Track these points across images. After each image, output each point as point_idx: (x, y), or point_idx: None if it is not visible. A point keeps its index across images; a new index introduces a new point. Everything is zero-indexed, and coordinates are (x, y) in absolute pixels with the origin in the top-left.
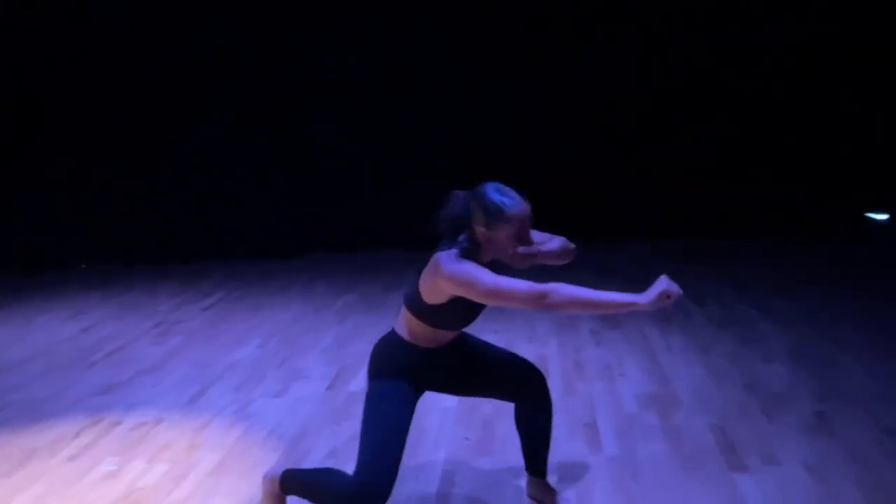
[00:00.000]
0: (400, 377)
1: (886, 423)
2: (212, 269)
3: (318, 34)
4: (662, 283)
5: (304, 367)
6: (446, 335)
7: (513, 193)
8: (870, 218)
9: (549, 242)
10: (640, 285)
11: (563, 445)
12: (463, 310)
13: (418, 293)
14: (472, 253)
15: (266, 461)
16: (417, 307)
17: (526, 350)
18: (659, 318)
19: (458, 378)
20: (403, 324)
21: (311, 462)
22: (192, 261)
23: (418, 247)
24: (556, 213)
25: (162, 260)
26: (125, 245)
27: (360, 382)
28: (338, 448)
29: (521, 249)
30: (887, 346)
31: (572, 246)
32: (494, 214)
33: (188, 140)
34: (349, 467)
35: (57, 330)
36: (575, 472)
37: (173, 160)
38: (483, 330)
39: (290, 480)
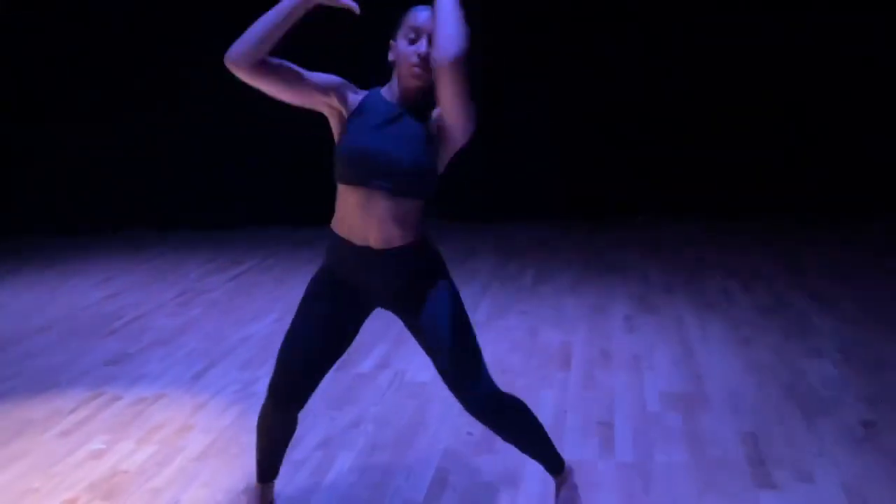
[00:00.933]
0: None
1: None
2: (247, 236)
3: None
4: None
5: None
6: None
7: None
8: None
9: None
10: (690, 266)
11: (572, 445)
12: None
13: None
14: (389, 78)
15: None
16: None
17: (551, 336)
18: (700, 303)
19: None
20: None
21: (300, 451)
22: (228, 226)
23: (456, 217)
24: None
25: (199, 225)
26: (164, 210)
27: (369, 364)
28: (332, 437)
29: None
30: None
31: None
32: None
33: (222, 101)
34: (340, 457)
35: (83, 295)
36: (580, 478)
37: (209, 123)
38: (509, 311)
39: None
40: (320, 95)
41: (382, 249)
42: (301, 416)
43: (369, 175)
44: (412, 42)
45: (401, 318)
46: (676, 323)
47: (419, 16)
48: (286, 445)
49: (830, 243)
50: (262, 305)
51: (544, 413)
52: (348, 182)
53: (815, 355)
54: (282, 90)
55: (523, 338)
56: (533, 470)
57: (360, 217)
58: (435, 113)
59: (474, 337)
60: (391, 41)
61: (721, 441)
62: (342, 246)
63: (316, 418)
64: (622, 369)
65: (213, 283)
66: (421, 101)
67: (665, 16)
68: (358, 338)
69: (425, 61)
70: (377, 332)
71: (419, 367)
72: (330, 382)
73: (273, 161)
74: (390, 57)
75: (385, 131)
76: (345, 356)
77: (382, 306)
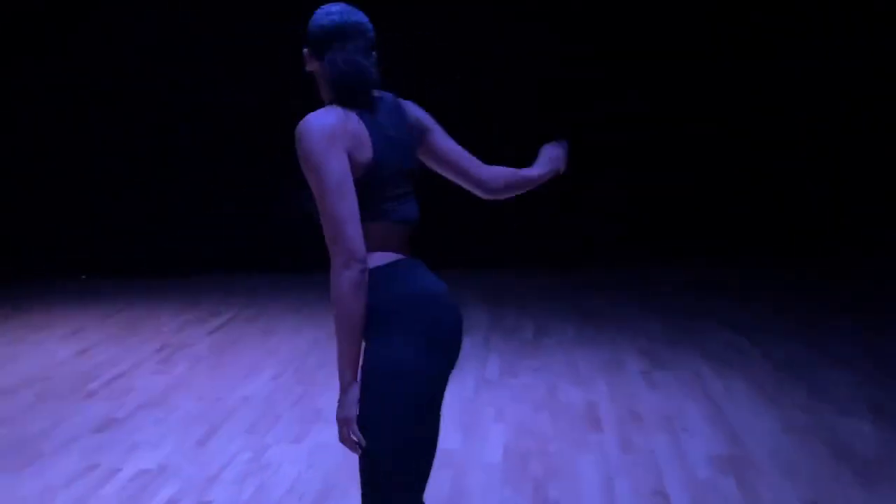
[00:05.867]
0: None
1: None
2: (219, 283)
3: None
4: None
5: (324, 407)
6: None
7: None
8: None
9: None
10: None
11: None
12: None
13: None
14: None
15: None
16: None
17: (573, 394)
18: (714, 358)
19: None
20: None
21: None
22: (197, 273)
23: (446, 263)
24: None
25: (165, 272)
26: (127, 254)
27: None
28: None
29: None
30: None
31: None
32: None
33: (190, 139)
34: None
35: (52, 351)
36: None
37: (175, 160)
38: (519, 367)
39: None
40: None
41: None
42: (327, 486)
43: None
44: None
45: None
46: (696, 378)
47: None
48: None
49: (820, 289)
50: (253, 361)
51: (589, 480)
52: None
53: (846, 413)
54: None
55: (544, 397)
56: None
57: (403, 243)
58: None
59: (380, 450)
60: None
61: None
62: (425, 294)
63: (346, 490)
64: (658, 431)
65: (192, 336)
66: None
67: (665, 59)
68: None
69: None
70: None
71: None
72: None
73: (242, 202)
74: None
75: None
76: None
77: None
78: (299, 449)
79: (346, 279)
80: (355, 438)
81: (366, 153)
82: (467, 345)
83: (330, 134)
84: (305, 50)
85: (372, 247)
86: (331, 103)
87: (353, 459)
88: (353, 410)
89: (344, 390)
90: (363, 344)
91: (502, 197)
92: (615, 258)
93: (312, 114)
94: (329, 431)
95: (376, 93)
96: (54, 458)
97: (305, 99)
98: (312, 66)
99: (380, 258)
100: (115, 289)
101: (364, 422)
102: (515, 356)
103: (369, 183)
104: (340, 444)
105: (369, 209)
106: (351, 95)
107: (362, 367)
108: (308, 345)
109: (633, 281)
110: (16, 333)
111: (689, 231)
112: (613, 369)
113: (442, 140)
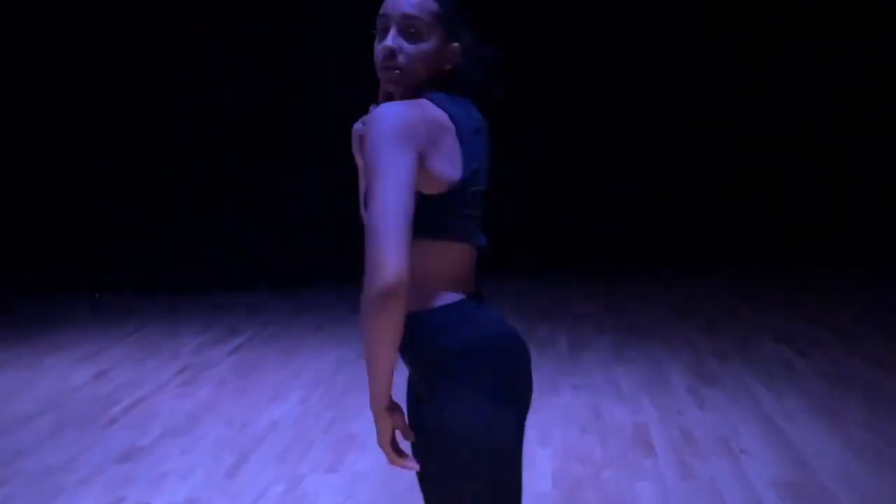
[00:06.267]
0: None
1: None
2: (234, 299)
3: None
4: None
5: (358, 433)
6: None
7: None
8: None
9: None
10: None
11: None
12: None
13: None
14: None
15: None
16: None
17: (619, 413)
18: (762, 372)
19: None
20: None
21: None
22: (216, 290)
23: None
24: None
25: (183, 289)
26: (135, 268)
27: None
28: None
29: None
30: None
31: None
32: None
33: (191, 139)
34: None
35: (69, 375)
36: None
37: (187, 169)
38: (559, 384)
39: None
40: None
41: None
42: None
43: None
44: (380, 36)
45: None
46: (746, 394)
47: None
48: None
49: (865, 300)
50: (277, 383)
51: None
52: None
53: None
54: None
55: (589, 418)
56: None
57: (471, 274)
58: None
59: None
60: None
61: None
62: (501, 337)
63: None
64: (715, 454)
65: (213, 356)
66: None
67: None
68: None
69: (394, 57)
70: None
71: None
72: (390, 478)
73: (261, 217)
74: None
75: None
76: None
77: None
78: (336, 479)
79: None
80: (406, 462)
81: (456, 162)
82: None
83: (411, 128)
84: (429, 19)
85: (440, 276)
86: (416, 96)
87: (395, 487)
88: (388, 435)
89: (375, 418)
90: (433, 396)
91: None
92: (646, 264)
93: (391, 104)
94: (366, 459)
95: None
96: (77, 493)
97: (305, 98)
98: (438, 43)
99: (449, 296)
100: (128, 307)
101: (446, 495)
102: (553, 372)
103: (453, 198)
104: (380, 473)
105: (447, 228)
106: (471, 92)
107: (432, 426)
108: (332, 366)
109: (668, 288)
110: (28, 357)
111: (723, 237)
112: (658, 386)
113: None
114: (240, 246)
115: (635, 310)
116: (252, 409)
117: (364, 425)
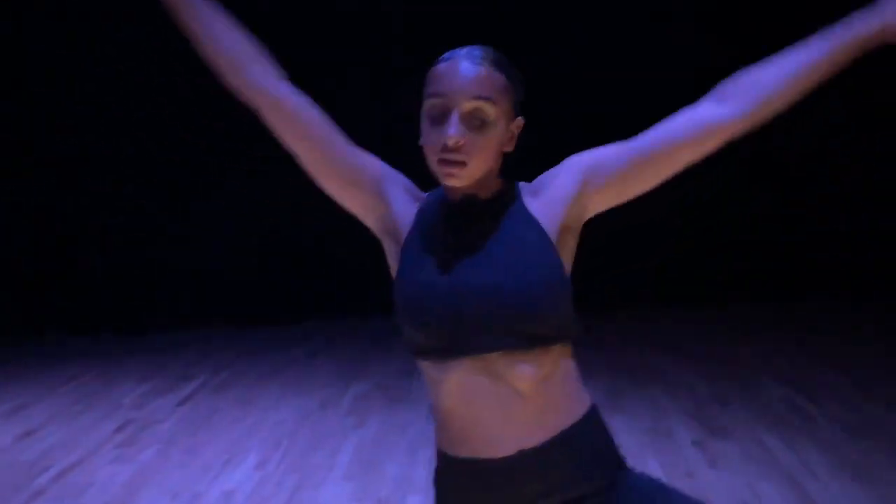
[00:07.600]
0: None
1: None
2: (183, 339)
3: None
4: None
5: (327, 503)
6: None
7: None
8: None
9: None
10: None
11: None
12: None
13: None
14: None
15: None
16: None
17: None
18: (775, 422)
19: None
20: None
21: None
22: (160, 331)
23: None
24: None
25: (123, 330)
26: (78, 312)
27: None
28: None
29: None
30: None
31: None
32: None
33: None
34: None
35: None
36: None
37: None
38: None
39: None
40: (349, 174)
41: (539, 447)
42: None
43: (462, 334)
44: (435, 120)
45: None
46: (761, 449)
47: (449, 69)
48: None
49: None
50: (231, 441)
51: None
52: (432, 356)
53: None
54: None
55: None
56: None
57: (483, 408)
58: (539, 187)
59: None
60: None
61: None
62: (463, 476)
63: None
64: None
65: (158, 409)
66: (493, 183)
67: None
68: (382, 490)
69: (458, 150)
70: (401, 477)
71: None
72: None
73: (206, 250)
74: (420, 140)
75: (458, 253)
76: None
77: None
78: None
79: None
80: None
81: None
82: None
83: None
84: (497, 97)
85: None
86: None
87: None
88: None
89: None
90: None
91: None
92: (639, 302)
93: None
94: None
95: None
96: None
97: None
98: (505, 123)
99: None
100: (63, 350)
101: None
102: None
103: None
104: None
105: None
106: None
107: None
108: (296, 419)
109: (663, 328)
110: None
111: (722, 270)
112: (660, 439)
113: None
114: (189, 277)
115: (623, 350)
116: (203, 474)
117: (330, 496)
